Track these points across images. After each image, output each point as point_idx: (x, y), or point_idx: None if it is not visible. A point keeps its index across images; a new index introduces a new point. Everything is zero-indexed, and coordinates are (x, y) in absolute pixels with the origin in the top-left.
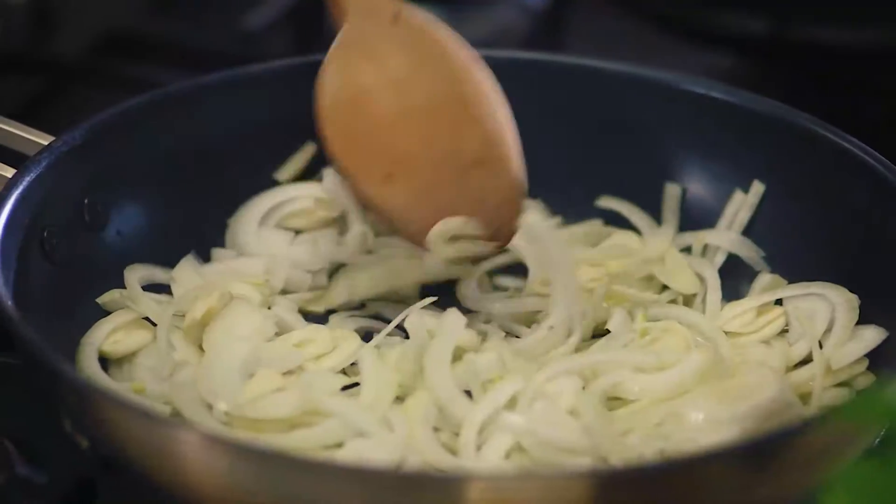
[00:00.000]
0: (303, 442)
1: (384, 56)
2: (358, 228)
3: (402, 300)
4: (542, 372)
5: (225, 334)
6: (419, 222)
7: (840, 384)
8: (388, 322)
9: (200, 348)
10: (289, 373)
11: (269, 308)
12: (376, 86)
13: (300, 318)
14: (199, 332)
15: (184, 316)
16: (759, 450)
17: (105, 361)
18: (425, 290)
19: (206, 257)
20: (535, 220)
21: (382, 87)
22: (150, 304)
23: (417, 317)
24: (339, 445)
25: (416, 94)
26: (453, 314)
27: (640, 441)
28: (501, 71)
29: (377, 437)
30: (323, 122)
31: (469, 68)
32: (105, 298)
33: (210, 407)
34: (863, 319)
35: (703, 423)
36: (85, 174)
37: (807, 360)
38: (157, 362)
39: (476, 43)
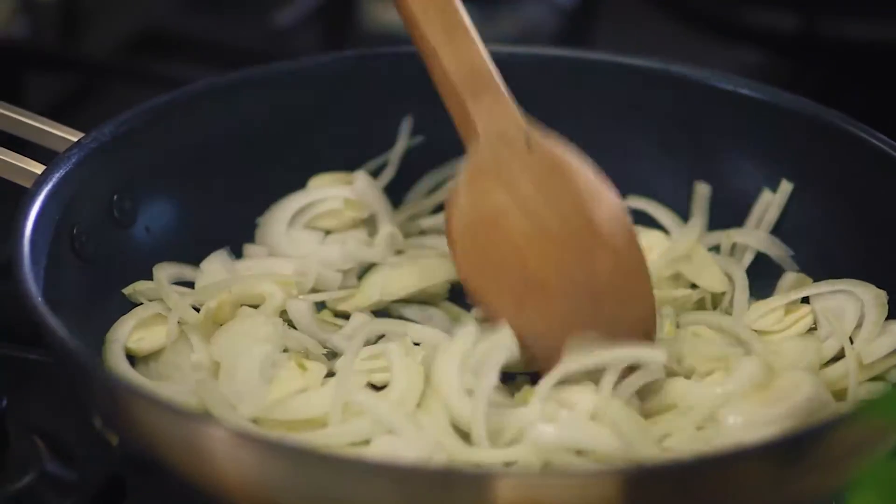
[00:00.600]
0: (331, 439)
1: (517, 181)
2: (387, 229)
3: (428, 300)
4: (553, 373)
5: (241, 337)
6: (552, 349)
7: (875, 378)
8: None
9: None
10: (310, 371)
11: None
12: (509, 210)
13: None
14: (213, 330)
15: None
16: (790, 446)
17: (132, 359)
18: (454, 289)
19: (236, 255)
20: None
21: (515, 212)
22: (177, 297)
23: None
24: (367, 443)
25: (549, 221)
26: (469, 325)
27: (678, 445)
28: (530, 68)
29: (406, 434)
30: (454, 245)
31: (600, 195)
32: (129, 290)
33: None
34: (892, 315)
35: (743, 425)
36: (114, 171)
37: (838, 358)
38: (183, 359)
39: (505, 40)
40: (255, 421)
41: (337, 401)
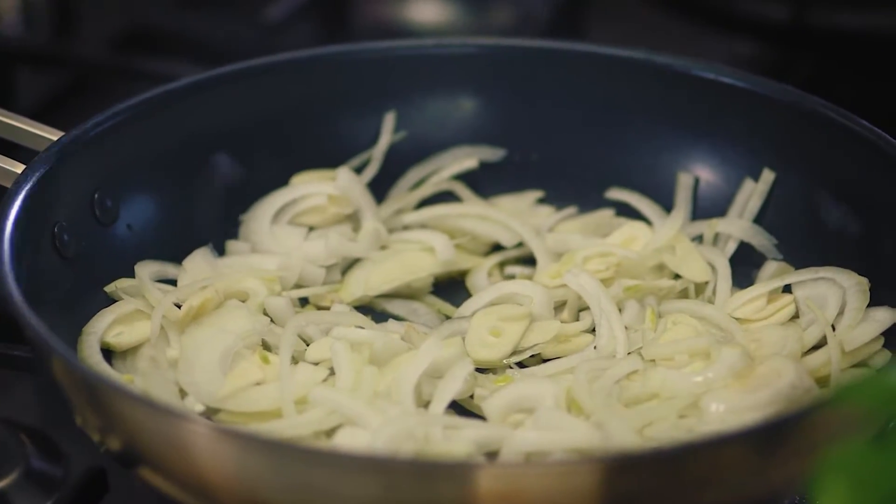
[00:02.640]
0: (285, 431)
1: None
2: (371, 224)
3: (413, 295)
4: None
5: (210, 328)
6: None
7: (857, 365)
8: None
9: None
10: (272, 365)
11: (263, 313)
12: None
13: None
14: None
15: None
16: (773, 431)
17: (109, 354)
18: (437, 283)
19: (219, 252)
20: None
21: None
22: (160, 294)
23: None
24: (329, 434)
25: None
26: (433, 341)
27: (661, 433)
28: (521, 59)
29: (367, 424)
30: None
31: None
32: (112, 288)
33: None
34: (874, 302)
35: (725, 412)
36: (94, 169)
37: (821, 345)
38: (160, 353)
39: (498, 31)
40: (209, 411)
41: (285, 395)
